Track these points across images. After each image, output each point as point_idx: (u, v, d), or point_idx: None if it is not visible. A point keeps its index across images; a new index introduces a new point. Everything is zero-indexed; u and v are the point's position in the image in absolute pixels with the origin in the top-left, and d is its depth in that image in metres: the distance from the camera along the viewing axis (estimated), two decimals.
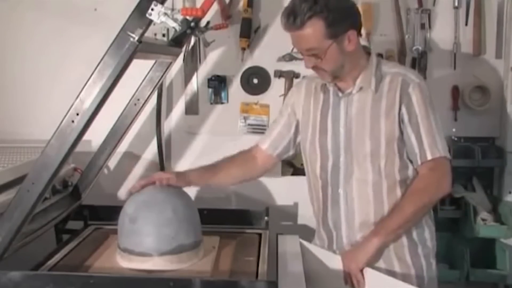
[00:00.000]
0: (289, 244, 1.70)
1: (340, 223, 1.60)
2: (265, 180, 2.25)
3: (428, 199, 1.51)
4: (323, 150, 1.61)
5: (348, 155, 1.56)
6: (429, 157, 1.49)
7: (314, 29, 1.44)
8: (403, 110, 1.51)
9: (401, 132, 1.52)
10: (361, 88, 1.55)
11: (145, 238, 1.47)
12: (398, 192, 1.54)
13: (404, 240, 1.56)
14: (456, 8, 2.13)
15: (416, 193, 1.50)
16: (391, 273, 1.52)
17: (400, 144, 1.53)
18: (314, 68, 1.54)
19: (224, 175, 1.72)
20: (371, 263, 1.49)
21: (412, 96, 1.50)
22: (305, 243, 1.63)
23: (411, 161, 1.55)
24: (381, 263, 1.55)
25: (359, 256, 1.47)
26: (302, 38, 1.47)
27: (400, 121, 1.52)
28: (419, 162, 1.51)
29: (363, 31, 2.08)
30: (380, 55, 2.15)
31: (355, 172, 1.55)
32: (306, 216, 2.25)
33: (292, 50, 2.09)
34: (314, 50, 1.47)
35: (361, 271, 1.47)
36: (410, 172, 1.55)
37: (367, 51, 1.62)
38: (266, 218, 1.89)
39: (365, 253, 1.47)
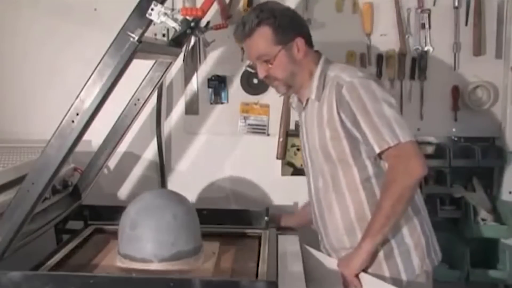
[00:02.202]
0: (289, 244, 1.70)
1: (321, 230, 1.65)
2: (265, 180, 2.25)
3: (400, 188, 1.41)
4: (304, 162, 1.71)
5: (312, 167, 1.62)
6: (377, 150, 1.43)
7: (262, 35, 1.52)
8: (342, 113, 1.47)
9: (350, 135, 1.49)
10: (309, 99, 1.56)
11: (145, 244, 1.46)
12: (362, 194, 1.52)
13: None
14: (456, 8, 2.12)
15: (387, 186, 1.45)
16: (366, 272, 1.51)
17: (351, 145, 1.50)
18: (267, 78, 1.58)
19: None
20: (365, 268, 1.50)
21: (345, 97, 1.46)
22: (308, 248, 1.66)
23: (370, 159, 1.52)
24: None
25: (352, 262, 1.48)
26: (252, 46, 1.55)
27: (344, 124, 1.48)
28: (372, 156, 1.48)
29: (364, 31, 2.14)
30: (380, 55, 2.15)
31: (320, 184, 1.59)
32: None
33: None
34: (264, 56, 1.53)
35: (357, 276, 1.48)
36: (371, 171, 1.51)
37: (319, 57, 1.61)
38: (266, 218, 1.89)
39: (357, 259, 1.47)
